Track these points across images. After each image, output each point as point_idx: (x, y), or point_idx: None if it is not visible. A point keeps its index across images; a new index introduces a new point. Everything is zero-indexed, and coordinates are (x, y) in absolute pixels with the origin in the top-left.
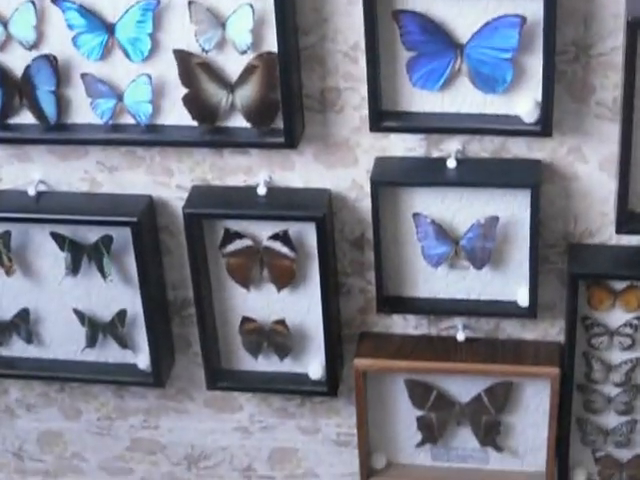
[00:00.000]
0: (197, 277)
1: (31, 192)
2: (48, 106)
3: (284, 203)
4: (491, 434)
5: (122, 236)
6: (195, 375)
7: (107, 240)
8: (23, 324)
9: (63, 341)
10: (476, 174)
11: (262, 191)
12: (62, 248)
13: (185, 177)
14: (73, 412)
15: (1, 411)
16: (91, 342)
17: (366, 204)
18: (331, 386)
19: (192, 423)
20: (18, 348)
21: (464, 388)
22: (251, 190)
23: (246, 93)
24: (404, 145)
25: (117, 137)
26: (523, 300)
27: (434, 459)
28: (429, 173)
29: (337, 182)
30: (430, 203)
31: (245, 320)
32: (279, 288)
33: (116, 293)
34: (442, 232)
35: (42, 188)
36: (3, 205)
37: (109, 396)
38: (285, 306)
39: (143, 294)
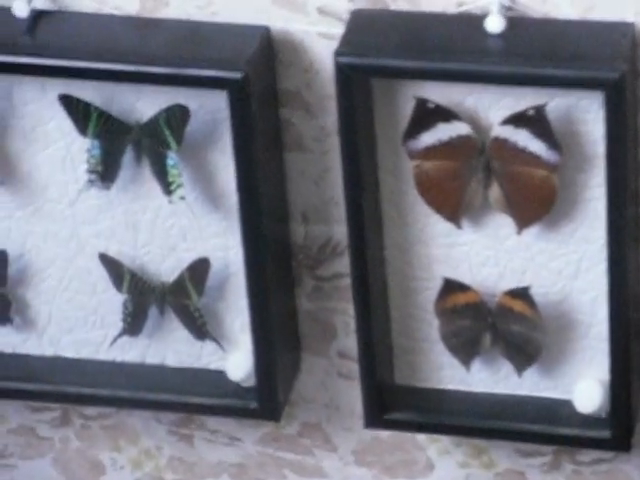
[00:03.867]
0: (355, 198)
1: (20, 11)
2: None
3: (539, 49)
4: None
5: (207, 108)
6: (341, 398)
7: (176, 115)
8: None
9: (75, 322)
10: None
11: (496, 23)
12: (83, 129)
13: None
14: (89, 472)
15: None
16: (134, 324)
17: None
18: (619, 427)
19: None
20: None
21: None
22: (473, 21)
23: None
24: None
25: None
26: None
27: None
28: None
29: None
30: None
31: (450, 287)
32: (521, 225)
33: (189, 226)
34: None
35: (40, 3)
36: None
37: (162, 437)
38: (532, 263)
39: (245, 229)
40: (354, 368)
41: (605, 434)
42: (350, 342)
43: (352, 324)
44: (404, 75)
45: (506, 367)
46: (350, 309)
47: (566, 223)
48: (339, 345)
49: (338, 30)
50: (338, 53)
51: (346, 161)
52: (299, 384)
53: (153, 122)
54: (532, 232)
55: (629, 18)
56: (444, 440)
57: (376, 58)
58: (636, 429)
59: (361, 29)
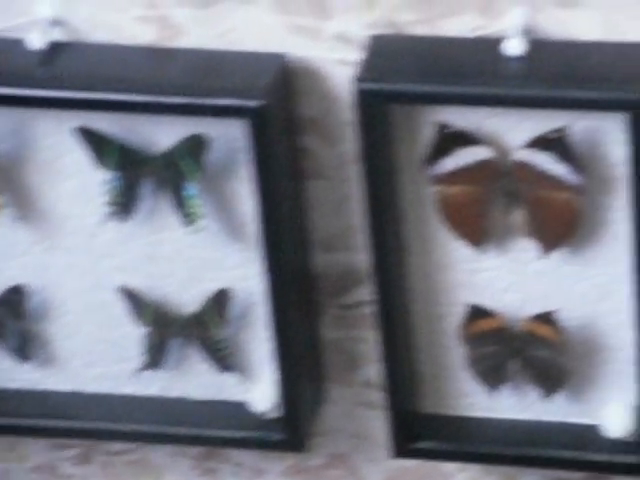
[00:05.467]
0: (378, 225)
1: (35, 43)
2: None
3: (561, 72)
4: None
5: (226, 137)
6: (367, 428)
7: (195, 145)
8: (12, 319)
9: (96, 356)
10: None
11: (516, 46)
12: (101, 161)
13: (353, 15)
14: None
15: None
16: (155, 357)
17: None
18: None
19: None
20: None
21: None
22: (492, 45)
23: None
24: None
25: None
26: None
27: None
28: None
29: None
30: None
31: (476, 313)
32: (546, 249)
33: (210, 257)
34: None
35: (58, 35)
36: None
37: (186, 472)
38: (557, 287)
39: (265, 259)
40: (379, 397)
41: (635, 459)
42: (374, 371)
43: (376, 352)
44: (424, 100)
45: (533, 393)
46: (373, 337)
47: (590, 246)
48: (364, 374)
49: (355, 56)
50: (359, 79)
51: (367, 188)
52: (324, 414)
53: (172, 153)
54: (555, 256)
55: None
56: (472, 468)
57: (396, 83)
58: None
59: (380, 54)
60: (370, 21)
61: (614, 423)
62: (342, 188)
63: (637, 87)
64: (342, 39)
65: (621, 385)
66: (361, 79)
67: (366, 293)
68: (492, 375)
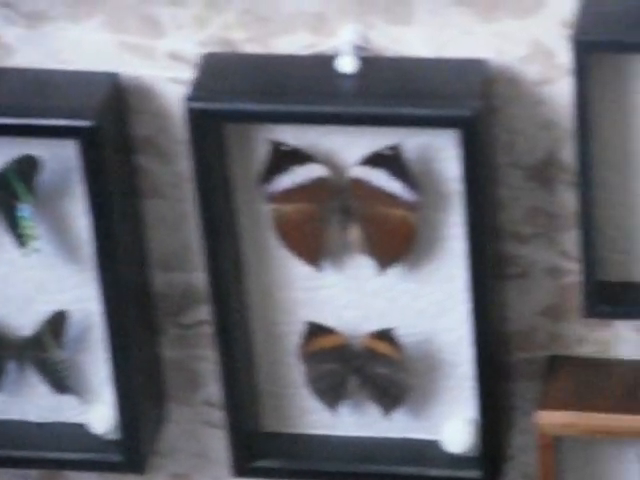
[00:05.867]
0: (213, 244)
1: None
2: None
3: (393, 89)
4: None
5: (58, 158)
6: (210, 447)
7: (27, 166)
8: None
9: None
10: None
11: (348, 64)
12: None
13: (185, 33)
14: None
15: None
16: None
17: (559, 90)
18: (489, 466)
19: None
20: None
21: None
22: (325, 62)
23: None
24: None
25: None
26: None
27: None
28: None
29: (502, 45)
30: None
31: (313, 331)
32: (383, 266)
33: (46, 278)
34: None
35: None
36: None
37: None
38: (395, 303)
39: (102, 279)
40: (220, 416)
41: (475, 474)
42: (215, 390)
43: (216, 372)
44: (257, 119)
45: (373, 410)
46: (214, 356)
47: (427, 263)
48: (205, 393)
49: (188, 75)
50: (189, 98)
51: (202, 207)
52: (166, 434)
53: (3, 174)
54: (394, 273)
55: (482, 55)
56: None
57: (228, 102)
58: (508, 468)
59: (212, 73)
60: (202, 39)
61: (454, 439)
62: (179, 207)
63: (468, 104)
64: (175, 57)
65: (460, 401)
66: (192, 98)
67: (206, 312)
68: (332, 393)
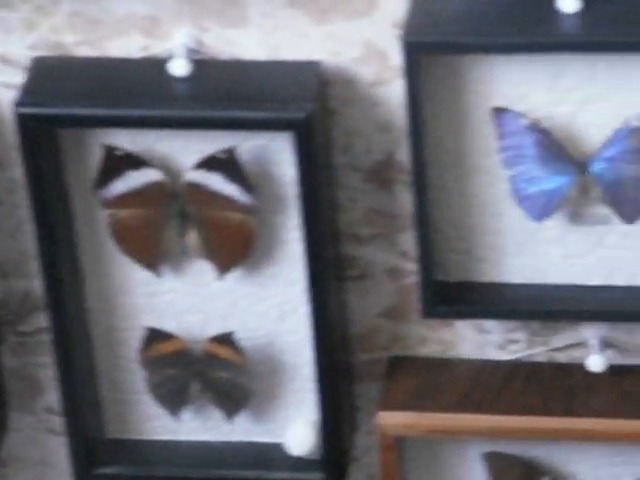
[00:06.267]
0: (49, 250)
1: None
2: None
3: (227, 92)
4: None
5: None
6: (52, 455)
7: None
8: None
9: None
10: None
11: (181, 67)
12: None
13: (15, 36)
14: None
15: None
16: None
17: (394, 91)
18: (332, 468)
19: None
20: None
21: (607, 471)
22: (158, 65)
23: None
24: None
25: None
26: None
27: None
28: (528, 23)
29: (336, 47)
30: (528, 87)
31: (153, 336)
32: (222, 270)
33: None
34: (554, 146)
35: None
36: None
37: None
38: (236, 307)
39: None
40: (62, 423)
41: (318, 476)
42: (56, 397)
43: (57, 379)
44: (90, 124)
45: (216, 414)
46: (54, 363)
47: (267, 266)
48: (46, 400)
49: (20, 79)
50: (18, 103)
51: (36, 214)
52: (8, 443)
53: None
54: (234, 277)
55: (317, 57)
56: None
57: (59, 107)
58: (353, 469)
59: (43, 77)
60: (32, 43)
61: (297, 441)
62: (15, 213)
63: (301, 106)
64: (4, 61)
65: (303, 403)
66: (21, 103)
67: (45, 319)
68: (173, 398)
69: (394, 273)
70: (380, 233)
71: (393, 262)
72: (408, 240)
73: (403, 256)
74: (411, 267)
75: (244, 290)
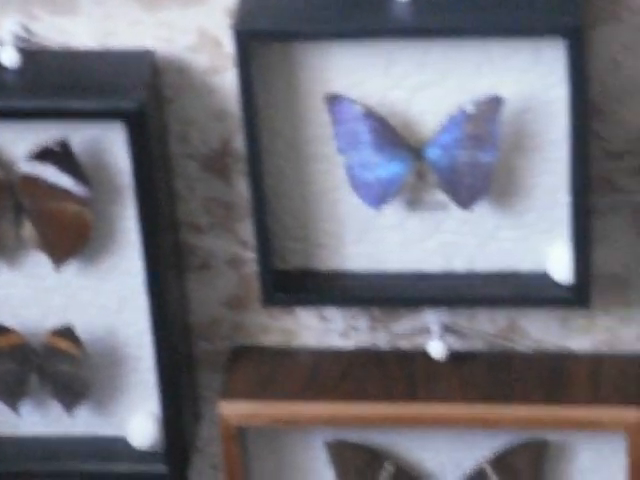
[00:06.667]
0: None
1: None
2: None
3: (60, 81)
4: None
5: None
6: None
7: None
8: None
9: None
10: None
11: (10, 56)
12: None
13: None
14: None
15: None
16: None
17: (229, 79)
18: (175, 460)
19: None
20: None
21: (450, 456)
22: None
23: None
24: None
25: None
26: (561, 270)
27: None
28: (361, 10)
29: (169, 35)
30: (362, 74)
31: None
32: (57, 261)
33: None
34: (389, 132)
35: None
36: None
37: None
38: (74, 299)
39: None
40: None
41: (161, 468)
42: None
43: None
44: None
45: (57, 408)
46: None
47: (105, 257)
48: None
49: None
50: None
51: None
52: None
53: None
54: (72, 269)
55: (149, 45)
56: None
57: None
58: (197, 460)
59: None
60: None
61: (138, 433)
62: None
63: (133, 95)
64: None
65: (145, 395)
66: None
67: None
68: (11, 392)
69: (235, 262)
70: (219, 222)
71: (233, 251)
72: (247, 229)
73: (243, 245)
74: (251, 256)
75: (82, 282)
